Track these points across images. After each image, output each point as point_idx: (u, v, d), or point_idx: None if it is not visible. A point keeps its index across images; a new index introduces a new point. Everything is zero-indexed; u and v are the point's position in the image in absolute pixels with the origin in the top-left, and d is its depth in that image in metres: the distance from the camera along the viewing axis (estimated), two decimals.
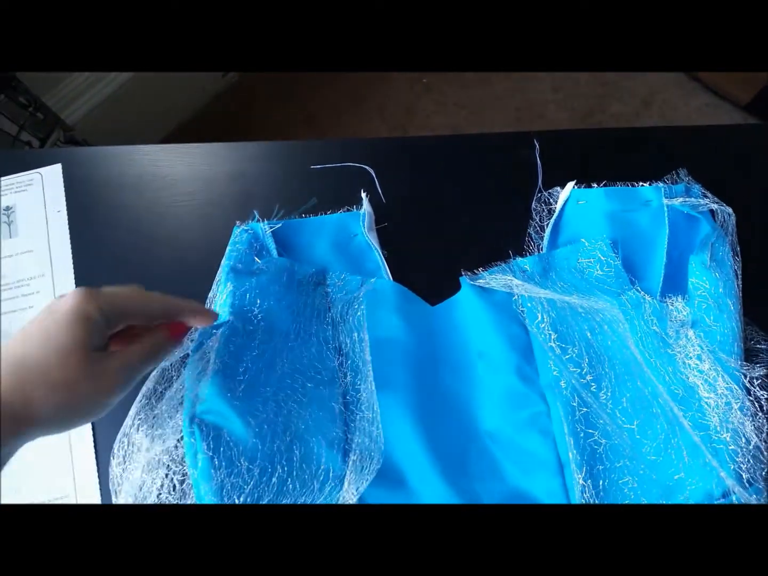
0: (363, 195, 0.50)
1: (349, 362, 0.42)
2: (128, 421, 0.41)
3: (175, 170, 0.52)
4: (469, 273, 0.46)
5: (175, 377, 0.40)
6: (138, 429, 0.41)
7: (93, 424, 0.44)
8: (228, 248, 0.46)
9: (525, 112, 1.44)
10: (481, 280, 0.45)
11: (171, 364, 0.41)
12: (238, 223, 0.47)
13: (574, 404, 0.40)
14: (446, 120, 1.45)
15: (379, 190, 0.51)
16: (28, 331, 0.30)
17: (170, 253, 0.49)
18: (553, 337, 0.41)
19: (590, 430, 0.40)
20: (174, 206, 0.51)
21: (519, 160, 0.51)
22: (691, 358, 0.41)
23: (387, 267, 0.47)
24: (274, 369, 0.41)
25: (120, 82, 1.18)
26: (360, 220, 0.49)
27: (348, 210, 0.50)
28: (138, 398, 0.41)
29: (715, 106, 1.46)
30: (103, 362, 0.31)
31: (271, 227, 0.47)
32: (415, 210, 0.50)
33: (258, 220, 0.48)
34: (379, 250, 0.48)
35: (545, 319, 0.41)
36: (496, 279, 0.44)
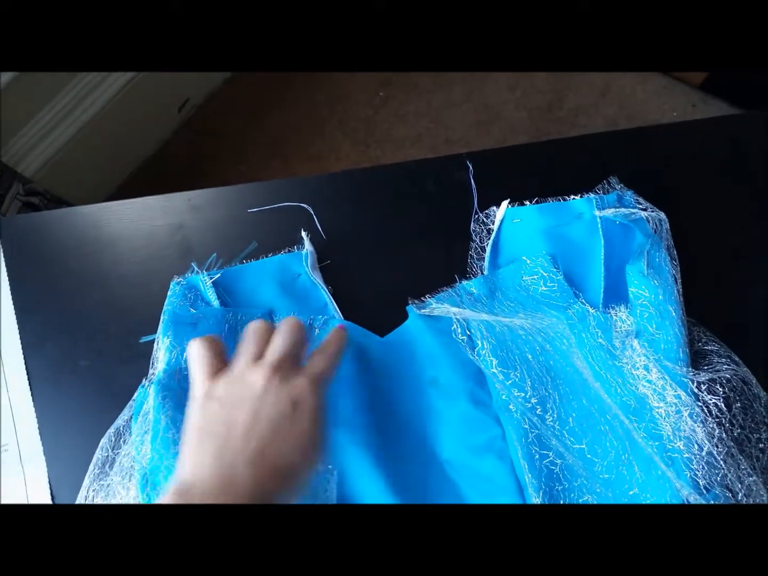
0: (303, 234, 0.50)
1: None
2: (82, 492, 0.40)
3: (114, 229, 0.52)
4: (416, 301, 0.46)
5: (122, 442, 0.40)
6: (93, 501, 0.40)
7: (52, 493, 0.44)
8: (165, 303, 0.45)
9: (483, 114, 1.45)
10: (427, 308, 0.45)
11: (120, 428, 0.41)
12: (176, 277, 0.47)
13: (526, 426, 0.40)
14: (407, 131, 1.45)
15: (319, 227, 0.50)
16: (281, 434, 0.31)
17: (117, 315, 0.48)
18: (494, 363, 0.41)
19: (544, 451, 0.40)
20: (117, 266, 0.50)
21: (454, 184, 0.51)
22: (638, 368, 0.41)
23: (334, 303, 0.47)
24: None
25: (72, 132, 1.18)
26: (302, 260, 0.49)
27: (290, 251, 0.50)
28: (90, 468, 0.41)
29: (671, 87, 1.48)
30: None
31: (211, 277, 0.47)
32: (356, 244, 0.50)
33: (197, 272, 0.48)
34: (325, 287, 0.48)
35: (485, 346, 0.41)
36: (439, 307, 0.44)
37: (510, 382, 0.40)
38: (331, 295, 0.47)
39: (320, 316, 0.46)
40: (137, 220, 0.52)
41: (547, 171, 0.51)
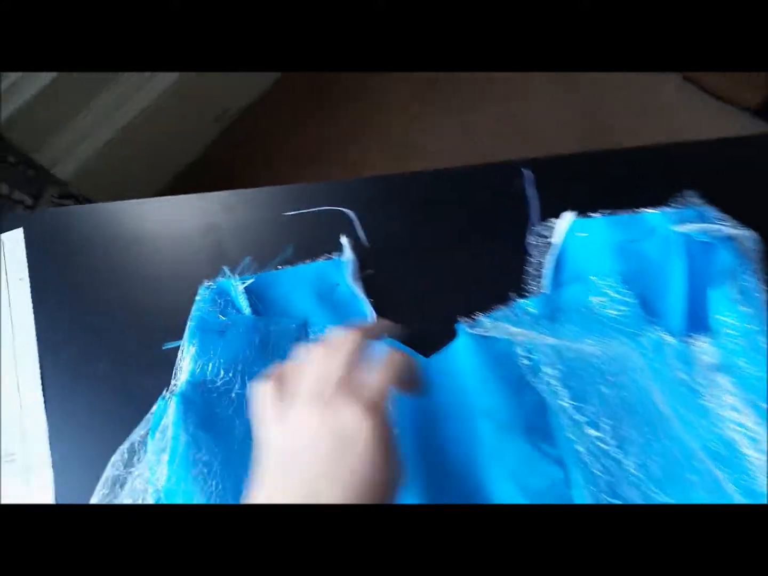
0: (344, 240, 0.46)
1: None
2: None
3: (144, 227, 0.48)
4: (466, 319, 0.42)
5: (136, 460, 0.36)
6: None
7: None
8: (193, 308, 0.42)
9: (520, 129, 1.41)
10: (479, 328, 0.41)
11: (135, 443, 0.37)
12: (205, 282, 0.43)
13: (596, 471, 0.34)
14: (442, 144, 1.42)
15: (361, 234, 0.46)
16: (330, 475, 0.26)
17: (141, 319, 0.45)
18: (565, 394, 0.35)
19: (618, 502, 0.34)
20: (144, 266, 0.47)
21: (508, 192, 0.46)
22: (725, 408, 0.35)
23: (376, 316, 0.43)
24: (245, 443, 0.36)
25: (109, 136, 1.18)
26: (342, 268, 0.45)
27: (328, 258, 0.46)
28: (98, 487, 0.36)
29: (725, 112, 1.41)
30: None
31: (243, 282, 0.43)
32: (401, 254, 0.46)
33: (228, 276, 0.44)
34: (366, 300, 0.43)
35: (553, 374, 0.36)
36: (497, 326, 0.39)
37: (583, 418, 0.35)
38: (373, 307, 0.43)
39: None
40: (168, 220, 0.49)
41: (607, 182, 0.46)
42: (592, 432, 0.34)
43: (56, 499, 0.39)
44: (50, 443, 0.41)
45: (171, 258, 0.47)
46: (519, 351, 0.38)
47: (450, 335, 0.41)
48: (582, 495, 0.34)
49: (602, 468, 0.34)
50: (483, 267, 0.44)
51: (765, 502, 0.32)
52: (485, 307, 0.42)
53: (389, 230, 0.47)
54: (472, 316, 0.42)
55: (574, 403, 0.35)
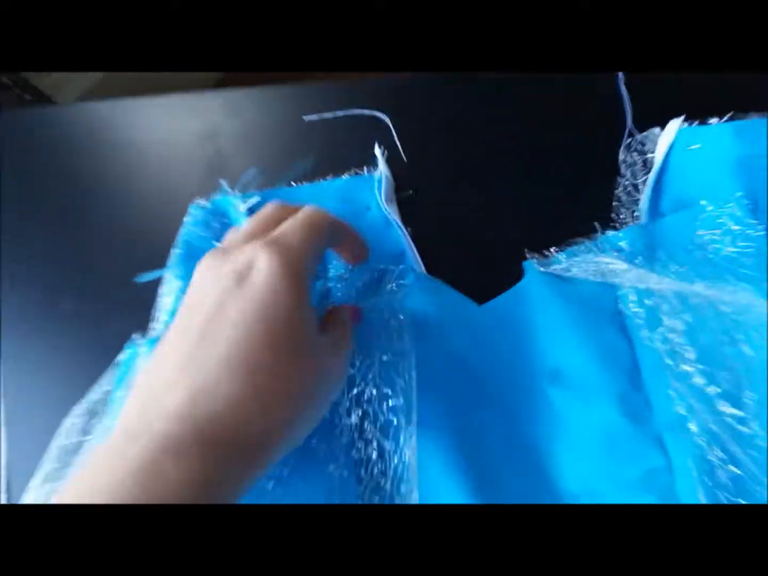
0: (378, 152, 0.36)
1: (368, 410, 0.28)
2: (27, 497, 0.28)
3: (123, 132, 0.39)
4: (536, 255, 0.32)
5: (96, 423, 0.28)
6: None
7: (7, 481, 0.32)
8: (180, 231, 0.33)
9: None
10: (557, 266, 0.31)
11: (94, 405, 0.28)
12: (198, 199, 0.34)
13: (713, 459, 0.25)
14: None
15: (399, 145, 0.36)
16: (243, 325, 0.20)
17: (113, 245, 0.36)
18: (691, 355, 0.26)
19: (739, 499, 0.25)
20: (124, 179, 0.38)
21: (593, 95, 0.36)
22: None
23: (415, 251, 0.33)
24: None
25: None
26: (374, 188, 0.35)
27: (357, 174, 0.36)
28: (44, 462, 0.28)
29: None
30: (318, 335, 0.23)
31: (245, 201, 0.34)
32: (450, 171, 0.36)
33: (228, 193, 0.35)
34: (403, 228, 0.34)
35: (676, 326, 0.27)
36: (579, 263, 0.29)
37: (711, 388, 0.25)
38: (412, 238, 0.34)
39: (394, 267, 0.32)
40: (157, 123, 0.39)
41: (727, 79, 0.35)
42: (727, 408, 0.25)
43: (6, 466, 0.31)
44: (3, 402, 0.32)
45: (158, 170, 0.37)
46: (628, 295, 0.28)
47: (513, 277, 0.32)
48: (690, 489, 0.25)
49: (724, 453, 0.25)
50: (557, 190, 0.34)
51: None
52: (560, 242, 0.32)
53: (434, 141, 0.36)
54: (544, 252, 0.32)
55: (705, 368, 0.25)
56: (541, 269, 0.31)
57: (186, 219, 0.33)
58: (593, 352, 0.28)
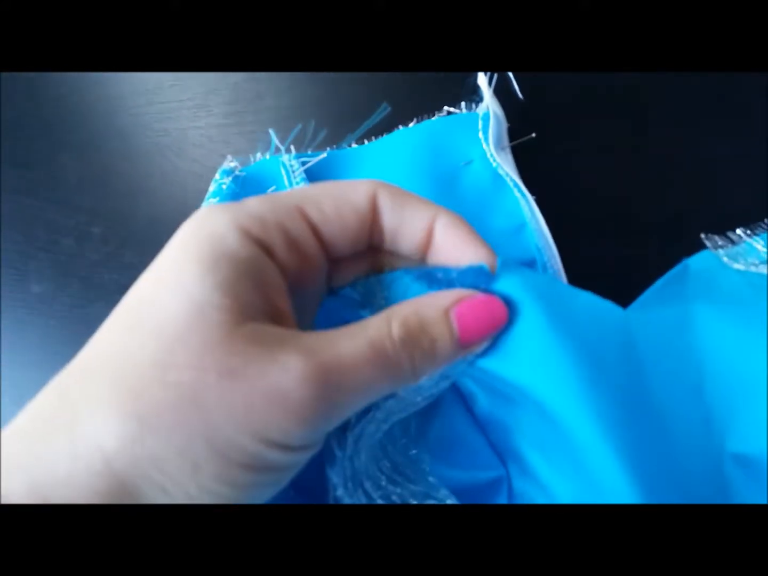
0: (482, 81, 0.25)
1: None
2: None
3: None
4: (718, 239, 0.20)
5: None
6: None
7: None
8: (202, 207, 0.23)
9: None
10: (753, 259, 0.19)
11: None
12: (228, 159, 0.24)
13: None
14: None
15: (512, 78, 0.25)
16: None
17: (104, 217, 0.26)
18: None
19: None
20: (114, 134, 0.28)
21: None
22: None
23: (542, 222, 0.22)
24: None
25: None
26: (478, 131, 0.24)
27: (451, 113, 0.25)
28: None
29: None
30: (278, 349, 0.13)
31: (302, 163, 0.24)
32: (588, 114, 0.25)
33: (276, 152, 0.25)
34: (524, 189, 0.23)
35: None
36: None
37: None
38: (537, 206, 0.23)
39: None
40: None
41: None
42: None
43: None
44: None
45: (167, 118, 0.28)
46: None
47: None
48: None
49: None
50: (742, 152, 0.23)
51: None
52: (747, 222, 0.20)
53: (564, 82, 0.26)
54: (729, 236, 0.21)
55: None
56: (724, 259, 0.19)
57: (211, 188, 0.24)
58: None
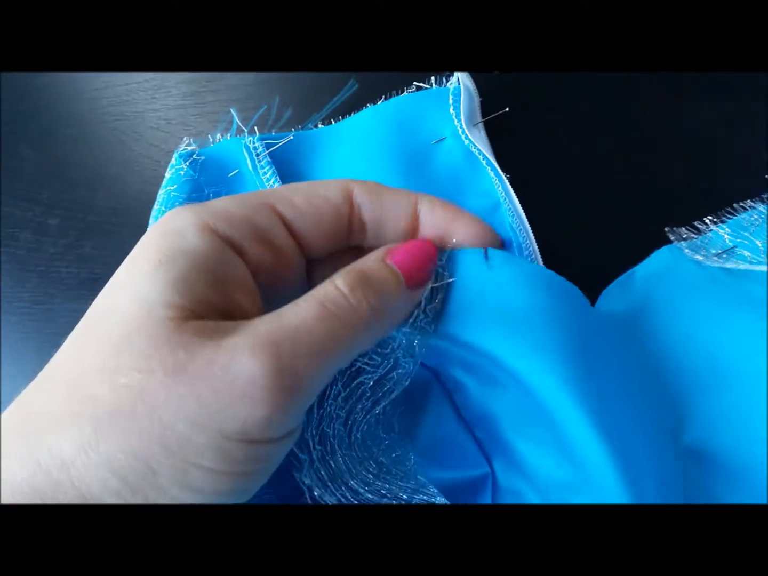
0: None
1: None
2: None
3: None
4: (683, 231, 0.19)
5: None
6: None
7: None
8: (159, 194, 0.22)
9: None
10: (711, 252, 0.19)
11: None
12: (184, 141, 0.23)
13: None
14: None
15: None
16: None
17: (100, 196, 0.25)
18: None
19: None
20: (84, 118, 0.26)
21: None
22: None
23: (518, 205, 0.21)
24: None
25: None
26: (449, 106, 0.23)
27: (421, 88, 0.24)
28: None
29: None
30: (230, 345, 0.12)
31: (268, 145, 0.23)
32: (565, 88, 0.24)
33: (240, 131, 0.23)
34: (498, 169, 0.22)
35: None
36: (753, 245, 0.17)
37: None
38: (511, 185, 0.22)
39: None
40: None
41: None
42: None
43: None
44: None
45: (124, 102, 0.26)
46: None
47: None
48: None
49: None
50: (728, 128, 0.22)
51: None
52: (716, 213, 0.19)
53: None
54: (691, 229, 0.19)
55: None
56: (690, 253, 0.19)
57: (167, 175, 0.22)
58: None
